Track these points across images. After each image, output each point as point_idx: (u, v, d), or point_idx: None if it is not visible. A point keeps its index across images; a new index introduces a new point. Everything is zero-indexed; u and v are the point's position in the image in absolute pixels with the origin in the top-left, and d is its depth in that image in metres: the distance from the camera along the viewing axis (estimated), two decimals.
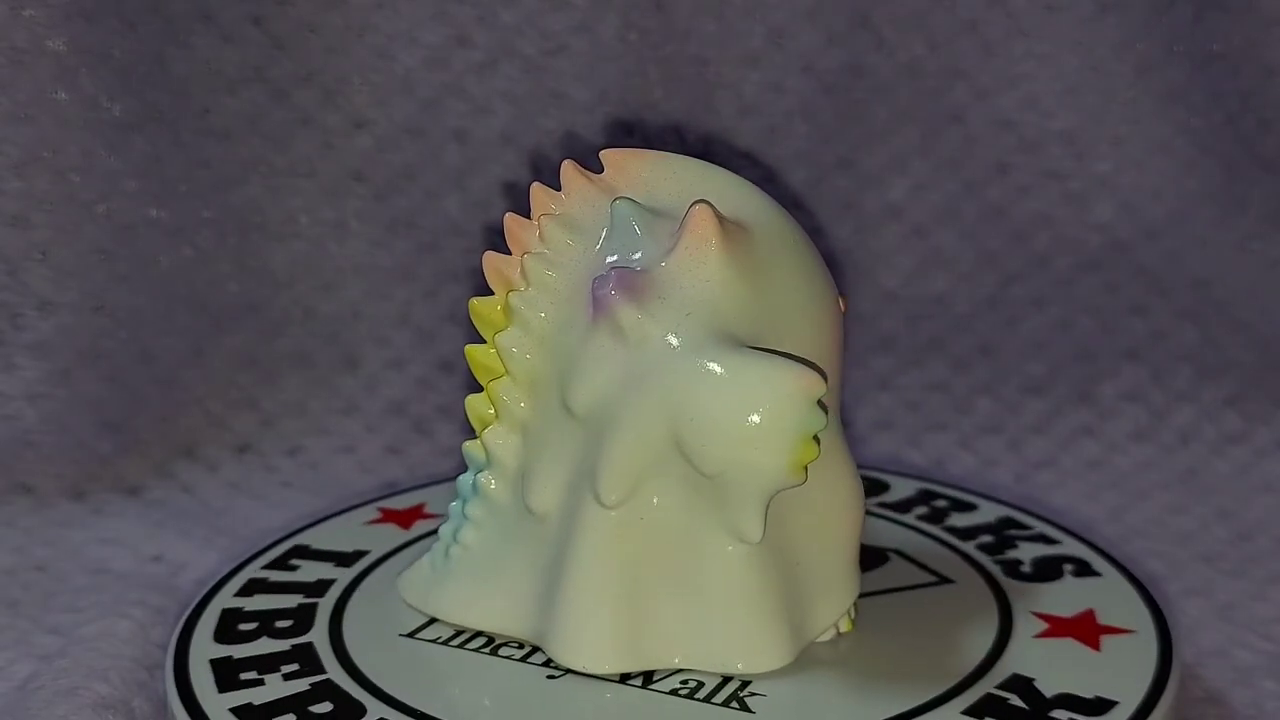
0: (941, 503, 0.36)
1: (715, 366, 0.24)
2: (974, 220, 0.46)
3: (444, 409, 0.45)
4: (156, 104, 0.41)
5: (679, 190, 0.26)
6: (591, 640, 0.26)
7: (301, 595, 0.31)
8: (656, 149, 0.27)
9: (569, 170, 0.27)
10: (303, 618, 0.30)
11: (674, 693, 0.26)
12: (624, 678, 0.27)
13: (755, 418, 0.23)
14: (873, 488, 0.36)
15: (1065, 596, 0.30)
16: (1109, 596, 0.30)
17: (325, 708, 0.26)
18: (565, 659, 0.27)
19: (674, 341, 0.24)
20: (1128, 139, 0.45)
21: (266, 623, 0.30)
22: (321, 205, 0.44)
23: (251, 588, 0.31)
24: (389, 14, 0.43)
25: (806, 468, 0.24)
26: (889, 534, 0.34)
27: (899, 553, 0.33)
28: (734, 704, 0.26)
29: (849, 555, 0.28)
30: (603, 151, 0.27)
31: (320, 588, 0.31)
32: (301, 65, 0.43)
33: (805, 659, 0.27)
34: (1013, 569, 0.32)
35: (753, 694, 0.26)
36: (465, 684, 0.27)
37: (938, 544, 0.33)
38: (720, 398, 0.24)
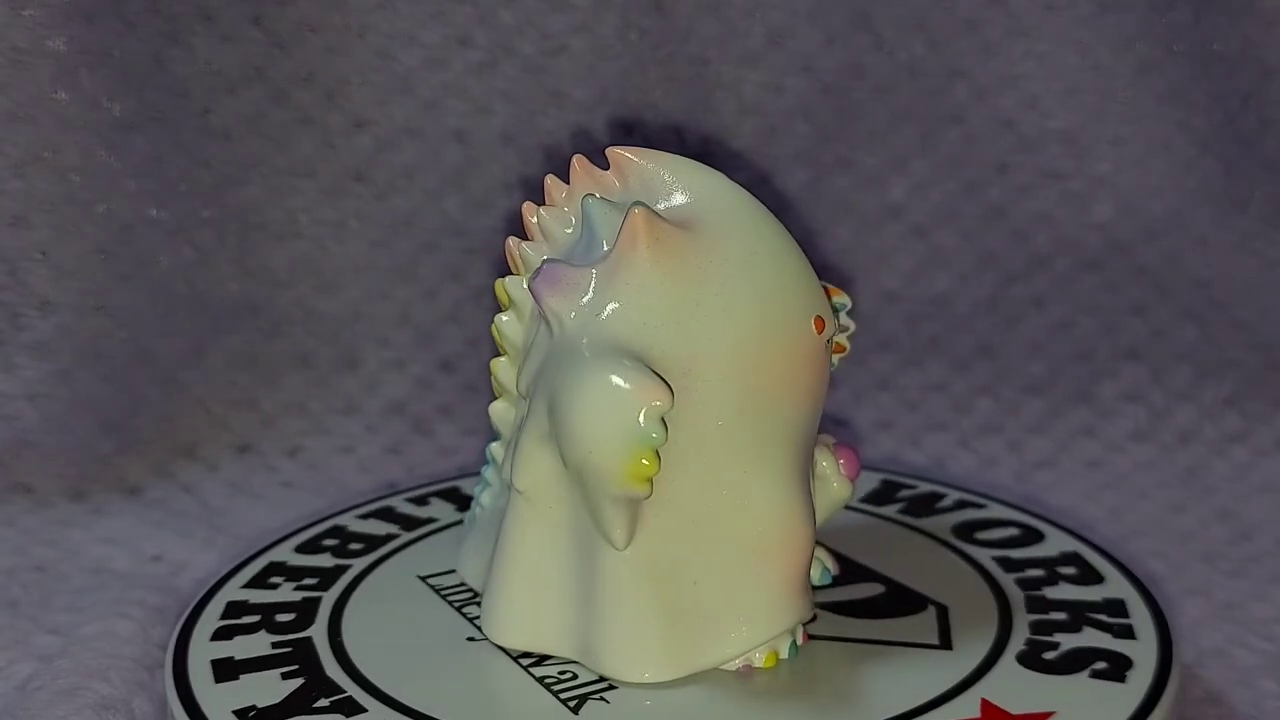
0: (1069, 569, 0.32)
1: (581, 369, 0.24)
2: (974, 220, 0.46)
3: (444, 409, 0.45)
4: (156, 104, 0.41)
5: (670, 190, 0.27)
6: (501, 615, 0.27)
7: (397, 526, 0.35)
8: (657, 149, 0.28)
9: (575, 165, 0.28)
10: (375, 544, 0.33)
11: (543, 679, 0.26)
12: (524, 655, 0.27)
13: (591, 423, 0.24)
14: (1028, 537, 0.33)
15: (1047, 694, 0.26)
16: (1095, 707, 0.26)
17: (288, 617, 0.29)
18: (484, 627, 0.28)
19: (579, 340, 0.25)
20: (1128, 139, 0.45)
21: (342, 547, 0.33)
22: (321, 205, 0.44)
23: (374, 514, 0.35)
24: (389, 14, 0.43)
25: (651, 481, 0.24)
26: (965, 587, 0.31)
27: (941, 606, 0.30)
28: (573, 703, 0.25)
29: (777, 587, 0.26)
30: (608, 149, 0.27)
31: (420, 522, 0.35)
32: (301, 65, 0.43)
33: (698, 682, 0.26)
34: (1036, 652, 0.28)
35: (601, 699, 0.25)
36: (397, 627, 0.29)
37: (1000, 609, 0.30)
38: (574, 400, 0.24)
